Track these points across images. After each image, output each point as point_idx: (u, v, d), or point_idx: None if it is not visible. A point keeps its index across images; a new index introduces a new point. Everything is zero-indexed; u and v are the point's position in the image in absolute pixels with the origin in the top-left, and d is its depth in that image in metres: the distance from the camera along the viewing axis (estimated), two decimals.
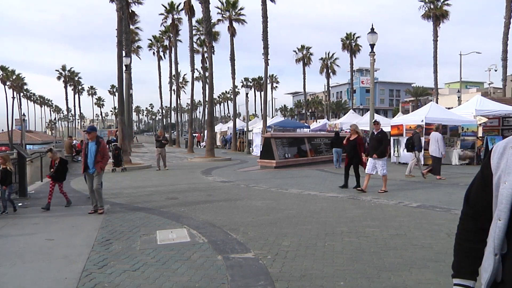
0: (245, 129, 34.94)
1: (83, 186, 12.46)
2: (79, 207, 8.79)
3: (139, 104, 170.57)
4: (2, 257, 5.18)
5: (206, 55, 40.55)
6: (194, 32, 39.45)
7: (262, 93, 45.51)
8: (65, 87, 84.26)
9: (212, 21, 30.99)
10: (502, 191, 1.31)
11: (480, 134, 18.97)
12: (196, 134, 46.97)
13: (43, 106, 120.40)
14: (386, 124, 23.77)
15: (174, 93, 54.80)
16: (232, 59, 38.03)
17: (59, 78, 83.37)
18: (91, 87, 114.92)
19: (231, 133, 42.42)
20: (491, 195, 1.38)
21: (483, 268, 1.40)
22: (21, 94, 79.05)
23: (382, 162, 10.09)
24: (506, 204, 1.29)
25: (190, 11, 34.95)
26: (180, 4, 41.12)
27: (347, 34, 52.22)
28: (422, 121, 18.66)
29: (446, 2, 36.96)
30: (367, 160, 10.40)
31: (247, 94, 35.70)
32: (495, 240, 1.32)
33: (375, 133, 10.46)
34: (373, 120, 11.16)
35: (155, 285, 4.14)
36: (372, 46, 16.42)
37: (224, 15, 37.75)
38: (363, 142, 11.03)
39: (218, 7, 37.45)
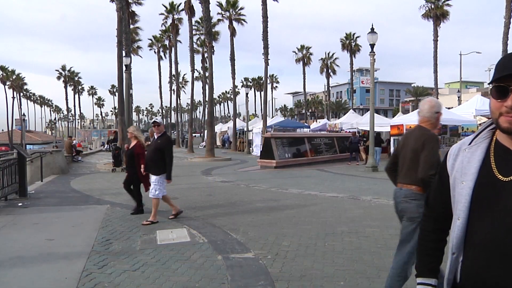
0: (245, 129, 34.94)
1: (83, 186, 12.49)
2: (79, 207, 8.79)
3: (139, 104, 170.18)
4: (2, 257, 5.18)
5: (206, 55, 40.48)
6: (194, 32, 39.45)
7: (262, 93, 45.50)
8: (65, 87, 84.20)
9: (212, 21, 31.04)
10: (460, 191, 1.34)
11: None
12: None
13: (43, 106, 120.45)
14: (386, 124, 23.88)
15: (174, 93, 54.74)
16: (232, 59, 38.04)
17: (59, 78, 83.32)
18: (91, 87, 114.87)
19: (228, 134, 42.34)
20: (449, 197, 1.42)
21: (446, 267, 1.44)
22: (21, 94, 78.96)
23: (156, 179, 7.14)
24: (464, 203, 1.32)
25: (190, 11, 34.95)
26: (180, 4, 41.13)
27: (347, 34, 52.22)
28: None
29: (446, 2, 36.91)
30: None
31: (247, 94, 35.74)
32: (453, 239, 1.36)
33: (156, 137, 7.51)
34: (152, 121, 7.69)
35: (155, 285, 4.14)
36: (372, 46, 16.42)
37: (224, 15, 37.79)
38: (143, 151, 7.87)
39: (218, 7, 37.52)
